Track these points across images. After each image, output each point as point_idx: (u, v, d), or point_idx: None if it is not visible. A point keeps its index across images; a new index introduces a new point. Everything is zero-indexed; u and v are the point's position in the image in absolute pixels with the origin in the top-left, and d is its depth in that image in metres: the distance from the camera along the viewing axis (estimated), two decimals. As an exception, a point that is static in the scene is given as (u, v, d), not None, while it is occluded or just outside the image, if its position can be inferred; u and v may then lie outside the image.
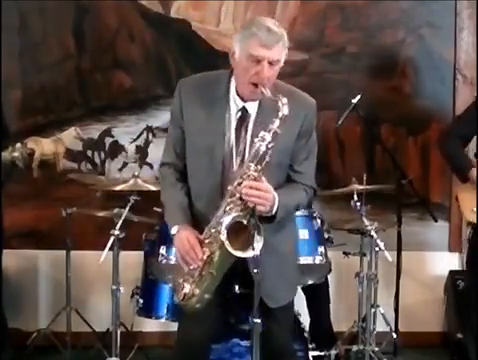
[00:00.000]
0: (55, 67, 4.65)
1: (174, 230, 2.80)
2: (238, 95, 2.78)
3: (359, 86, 4.60)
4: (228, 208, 2.66)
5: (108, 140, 4.72)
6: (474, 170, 3.98)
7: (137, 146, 4.72)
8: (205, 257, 2.68)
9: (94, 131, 4.71)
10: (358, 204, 4.07)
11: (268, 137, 2.63)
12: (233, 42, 2.74)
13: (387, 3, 4.71)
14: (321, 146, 4.69)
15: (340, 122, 4.25)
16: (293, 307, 3.19)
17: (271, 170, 2.71)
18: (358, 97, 4.21)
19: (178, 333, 2.98)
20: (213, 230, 2.68)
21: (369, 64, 4.74)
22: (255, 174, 2.64)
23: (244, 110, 2.79)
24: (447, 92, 4.76)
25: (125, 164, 4.72)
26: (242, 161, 2.75)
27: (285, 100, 2.64)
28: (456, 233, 4.81)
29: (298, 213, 3.91)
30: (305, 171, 2.89)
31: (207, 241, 2.70)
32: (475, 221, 3.97)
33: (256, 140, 2.64)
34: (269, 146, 2.64)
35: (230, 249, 2.60)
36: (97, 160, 4.74)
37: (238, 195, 2.65)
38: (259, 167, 2.65)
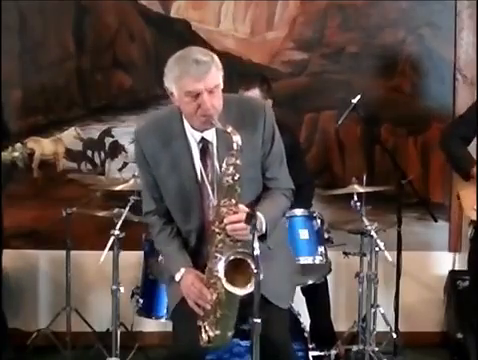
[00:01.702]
0: (55, 67, 4.65)
1: (178, 277, 2.83)
2: (192, 128, 2.79)
3: (359, 86, 4.59)
4: (219, 246, 2.69)
5: (108, 140, 4.73)
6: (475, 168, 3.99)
7: (137, 146, 4.71)
8: (214, 298, 2.70)
9: (94, 131, 4.71)
10: (358, 204, 4.07)
11: (231, 171, 2.66)
12: (166, 82, 2.73)
13: (387, 3, 4.71)
14: (321, 146, 4.79)
15: (340, 122, 4.25)
16: (292, 306, 3.20)
17: (245, 187, 2.73)
18: (358, 97, 4.20)
19: (173, 337, 2.97)
20: (213, 271, 2.70)
21: (369, 64, 4.73)
22: (232, 208, 2.66)
23: (204, 140, 2.80)
24: (447, 92, 4.76)
25: (125, 164, 4.73)
26: (214, 191, 2.78)
27: (233, 130, 2.63)
28: (456, 233, 4.81)
29: (298, 213, 3.95)
30: (279, 176, 2.90)
31: (211, 281, 2.72)
32: (476, 219, 3.97)
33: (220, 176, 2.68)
34: (235, 178, 2.66)
35: (232, 289, 2.62)
36: (97, 160, 4.74)
37: (224, 233, 2.67)
38: (233, 201, 2.67)
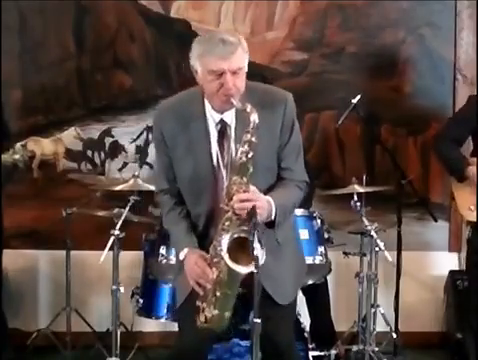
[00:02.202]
0: (55, 67, 4.66)
1: (181, 255, 2.82)
2: (213, 109, 2.79)
3: (359, 86, 4.59)
4: (226, 225, 2.67)
5: (108, 140, 4.73)
6: (472, 168, 3.99)
7: (137, 146, 4.72)
8: (215, 277, 2.68)
9: (94, 131, 4.71)
10: (358, 204, 4.07)
11: (245, 148, 2.65)
12: (192, 60, 2.74)
13: (387, 3, 4.71)
14: (321, 146, 4.79)
15: (340, 122, 4.25)
16: (295, 303, 3.20)
17: (260, 175, 2.72)
18: (358, 97, 4.20)
19: (177, 336, 2.97)
20: (217, 249, 2.68)
21: (369, 64, 4.73)
22: (243, 186, 2.65)
23: (222, 122, 2.80)
24: (447, 92, 4.76)
25: (125, 164, 4.73)
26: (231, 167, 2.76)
27: (253, 108, 2.63)
28: (456, 233, 4.81)
29: (298, 213, 3.94)
30: (294, 167, 2.89)
31: (214, 260, 2.70)
32: (474, 220, 3.98)
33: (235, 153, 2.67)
34: (249, 156, 2.65)
35: (233, 267, 2.60)
36: (97, 160, 4.74)
37: (232, 210, 2.65)
38: (245, 179, 2.66)
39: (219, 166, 2.80)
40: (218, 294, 2.69)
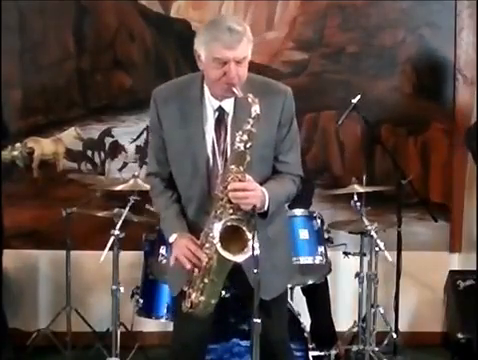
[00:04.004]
0: (55, 67, 4.65)
1: (172, 238, 2.81)
2: (212, 95, 2.78)
3: (359, 86, 4.60)
4: (219, 212, 2.67)
5: (108, 140, 4.72)
6: None
7: (137, 146, 4.72)
8: (204, 263, 2.68)
9: (94, 131, 4.71)
10: (358, 204, 4.07)
11: (245, 137, 2.64)
12: (196, 44, 2.73)
13: (387, 3, 4.71)
14: (321, 146, 4.78)
15: (340, 122, 4.26)
16: (286, 301, 3.18)
17: (255, 165, 2.71)
18: (358, 97, 4.21)
19: (173, 334, 2.99)
20: (208, 235, 2.68)
21: (369, 64, 4.73)
22: (239, 175, 2.65)
23: (221, 109, 2.79)
24: (447, 92, 4.76)
25: (125, 164, 4.73)
26: (226, 161, 2.76)
27: (255, 98, 2.63)
28: (456, 233, 4.80)
29: (298, 213, 3.95)
30: (291, 161, 2.88)
31: (205, 246, 2.70)
32: None
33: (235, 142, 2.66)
34: (247, 146, 2.65)
35: (225, 254, 2.60)
36: (97, 160, 4.74)
37: (226, 198, 2.65)
38: (241, 168, 2.65)
39: (214, 152, 2.79)
40: (206, 281, 2.69)
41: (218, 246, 2.60)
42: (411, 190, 4.40)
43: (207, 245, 2.68)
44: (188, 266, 2.72)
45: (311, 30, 4.72)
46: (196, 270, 2.71)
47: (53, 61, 4.65)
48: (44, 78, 4.65)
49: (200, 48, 2.71)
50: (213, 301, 2.74)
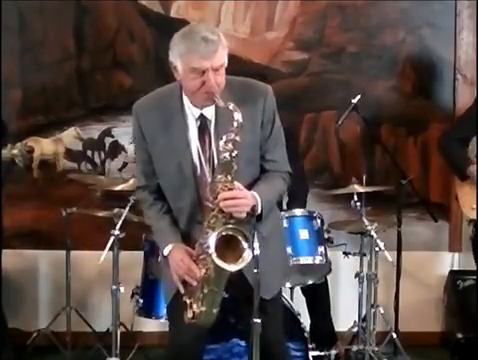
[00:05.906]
0: (55, 67, 4.66)
1: (166, 250, 2.81)
2: (192, 104, 2.78)
3: (359, 86, 4.60)
4: (212, 222, 2.67)
5: (108, 140, 4.73)
6: (472, 167, 4.01)
7: (137, 146, 4.71)
8: (202, 274, 2.68)
9: (94, 131, 4.72)
10: (358, 204, 4.07)
11: (229, 146, 2.64)
12: (171, 56, 2.72)
13: (387, 3, 4.71)
14: (321, 146, 4.78)
15: (340, 122, 4.26)
16: (281, 300, 3.18)
17: (243, 168, 2.72)
18: (358, 97, 4.21)
19: (169, 335, 2.98)
20: (204, 246, 2.68)
21: (369, 64, 4.73)
22: (228, 184, 2.65)
23: (202, 117, 2.79)
24: (447, 92, 4.76)
25: (125, 164, 4.73)
26: (213, 168, 2.76)
27: (235, 107, 2.63)
28: (456, 233, 4.81)
29: (298, 213, 3.95)
30: (278, 158, 2.89)
31: (201, 257, 2.70)
32: (475, 218, 3.99)
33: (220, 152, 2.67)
34: (233, 155, 2.65)
35: (221, 264, 2.60)
36: (97, 160, 4.74)
37: (218, 208, 2.66)
38: (229, 177, 2.66)
39: (200, 161, 2.80)
40: (205, 291, 2.70)
41: (214, 256, 2.60)
42: (411, 190, 4.40)
43: (203, 256, 2.69)
44: (181, 289, 2.75)
45: (311, 30, 4.72)
46: (193, 282, 2.71)
47: (53, 61, 4.65)
48: (44, 78, 4.65)
49: (176, 60, 2.70)
50: (215, 310, 2.74)
